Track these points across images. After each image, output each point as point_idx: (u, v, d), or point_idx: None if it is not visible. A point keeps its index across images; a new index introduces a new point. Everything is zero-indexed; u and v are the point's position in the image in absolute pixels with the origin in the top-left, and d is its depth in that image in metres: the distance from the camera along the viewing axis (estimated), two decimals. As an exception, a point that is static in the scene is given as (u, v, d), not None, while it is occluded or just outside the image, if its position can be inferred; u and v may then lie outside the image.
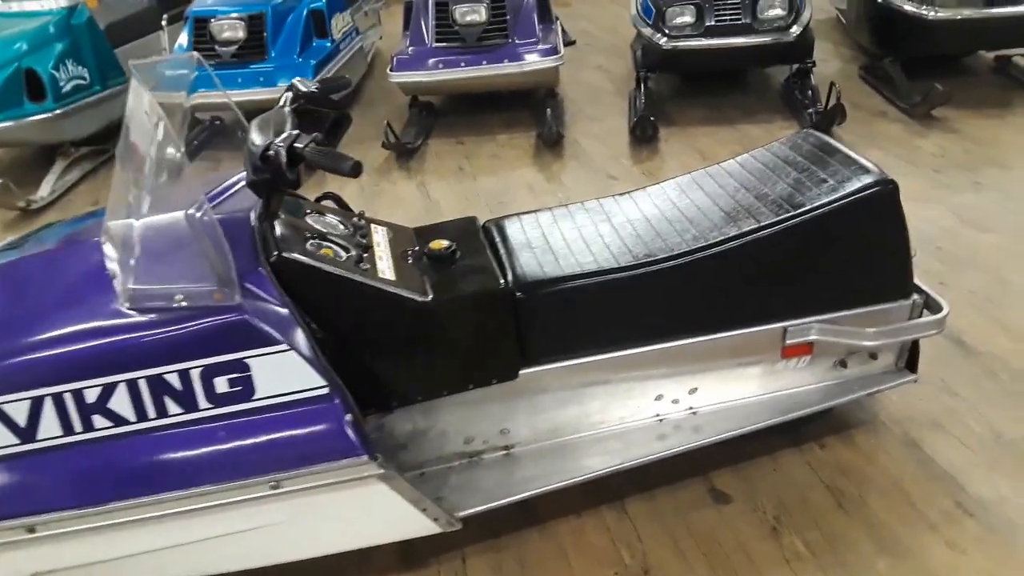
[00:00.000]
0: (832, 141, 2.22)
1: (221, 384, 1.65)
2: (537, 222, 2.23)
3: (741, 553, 1.94)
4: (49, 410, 1.60)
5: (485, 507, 1.90)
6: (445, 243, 2.06)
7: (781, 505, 2.05)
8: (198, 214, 1.65)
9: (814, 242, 2.00)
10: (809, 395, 2.15)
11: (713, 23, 4.40)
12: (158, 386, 1.63)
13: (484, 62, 4.56)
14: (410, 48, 4.70)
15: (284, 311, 1.69)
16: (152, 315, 1.63)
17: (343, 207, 2.30)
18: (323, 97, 2.12)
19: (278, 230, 1.85)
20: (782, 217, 1.98)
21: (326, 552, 1.82)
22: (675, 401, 2.11)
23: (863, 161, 2.07)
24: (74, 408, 1.60)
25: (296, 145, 1.69)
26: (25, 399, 1.59)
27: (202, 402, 1.65)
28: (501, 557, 1.98)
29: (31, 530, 1.63)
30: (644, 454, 2.03)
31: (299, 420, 1.69)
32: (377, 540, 1.86)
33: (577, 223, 2.19)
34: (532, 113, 4.87)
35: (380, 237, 2.11)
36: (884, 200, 1.99)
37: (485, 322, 1.92)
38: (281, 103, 2.01)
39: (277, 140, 1.71)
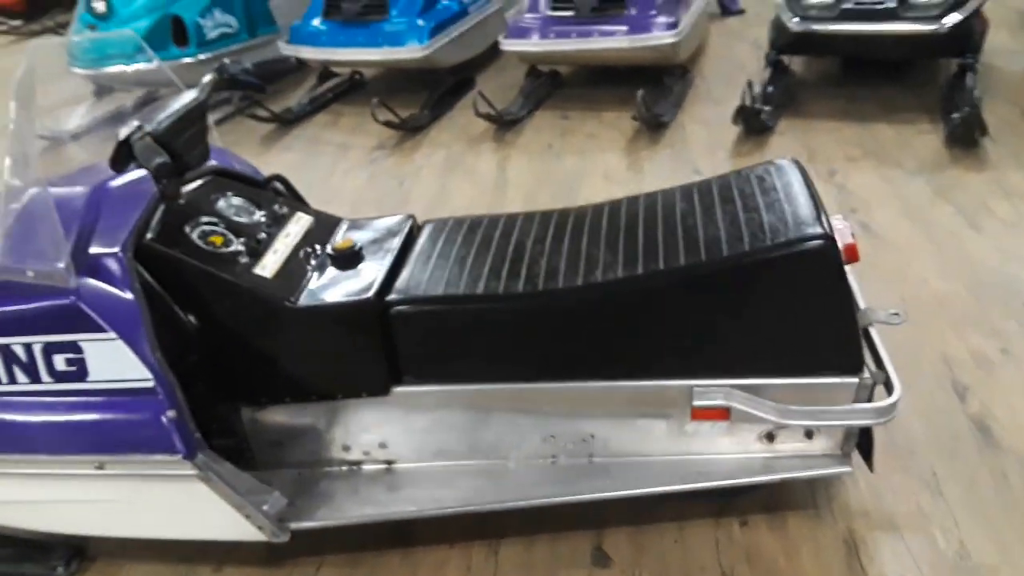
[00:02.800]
0: (801, 179, 1.86)
1: (60, 362, 1.71)
2: (466, 229, 2.07)
3: (588, 628, 1.74)
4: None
5: (321, 524, 1.85)
6: (350, 242, 1.99)
7: (659, 584, 1.81)
8: (32, 195, 1.70)
9: (725, 295, 1.70)
10: (724, 465, 1.86)
11: (851, 6, 3.82)
12: (7, 355, 1.72)
13: (596, 34, 4.31)
14: (525, 15, 4.54)
15: (127, 298, 1.70)
16: (3, 288, 1.72)
17: (291, 192, 2.29)
18: (247, 80, 2.09)
19: (161, 215, 1.87)
20: (692, 262, 1.69)
21: (152, 537, 1.87)
22: (569, 445, 1.91)
23: (812, 211, 1.71)
24: None
25: (133, 137, 1.67)
26: None
27: (44, 376, 1.73)
28: (352, 573, 1.92)
29: None
30: (533, 496, 1.87)
31: (124, 408, 1.71)
32: (200, 536, 1.87)
33: (502, 236, 2.01)
34: (657, 90, 4.55)
35: (295, 228, 2.07)
36: (813, 258, 1.64)
37: (349, 334, 1.84)
38: (204, 82, 2.01)
39: (135, 128, 1.71)
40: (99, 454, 1.73)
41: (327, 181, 4.10)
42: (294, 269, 1.92)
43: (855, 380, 1.73)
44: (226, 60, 2.09)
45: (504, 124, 4.45)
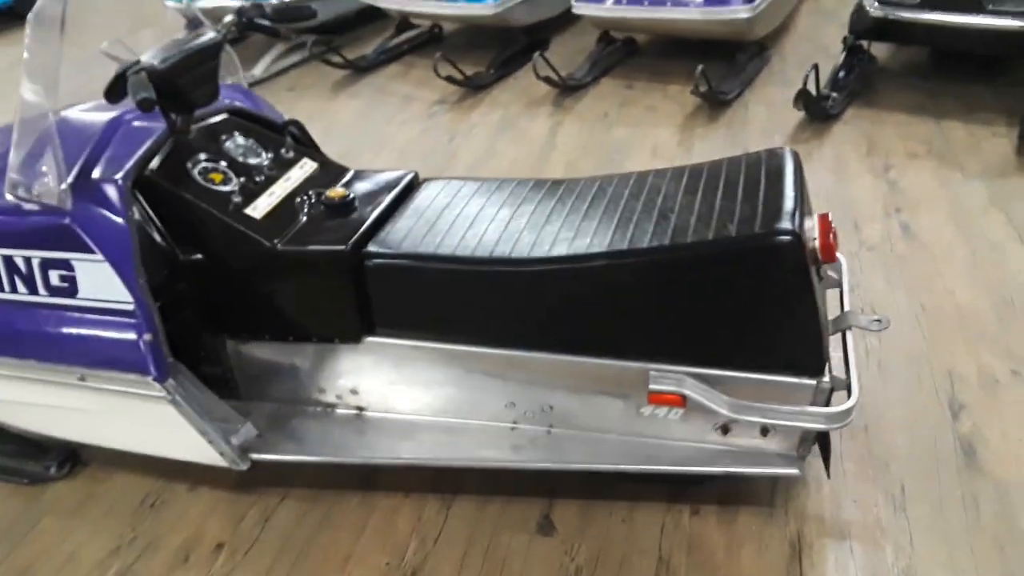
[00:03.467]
0: (792, 171, 1.79)
1: (54, 277, 1.84)
2: (462, 191, 2.09)
3: (517, 591, 1.77)
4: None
5: (283, 458, 1.94)
6: (343, 192, 2.04)
7: (595, 557, 1.82)
8: (42, 121, 1.80)
9: (683, 283, 1.67)
10: (677, 452, 1.85)
11: (936, -8, 3.59)
12: (10, 265, 1.86)
13: (669, 3, 4.20)
14: (600, -21, 4.46)
15: (118, 225, 1.80)
16: (14, 203, 1.85)
17: (304, 136, 2.35)
18: (263, 25, 2.15)
19: (167, 149, 1.96)
20: (654, 245, 1.67)
21: (126, 449, 2.00)
22: (529, 414, 1.94)
23: (787, 205, 1.66)
24: None
25: (129, 71, 1.75)
26: None
27: (41, 288, 1.86)
28: (311, 508, 2.01)
29: None
30: (487, 459, 1.91)
31: (107, 326, 1.82)
32: (168, 454, 1.98)
33: (493, 201, 2.02)
34: (727, 66, 4.41)
35: (298, 173, 2.13)
36: (773, 253, 1.59)
37: (323, 281, 1.89)
38: (226, 22, 2.08)
39: (133, 63, 1.79)
40: (81, 367, 1.86)
41: (382, 129, 4.17)
42: (285, 213, 1.99)
43: (812, 382, 1.68)
44: (245, 3, 2.15)
45: (567, 89, 4.42)
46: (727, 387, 1.74)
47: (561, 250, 1.75)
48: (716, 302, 1.67)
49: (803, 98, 3.65)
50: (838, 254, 2.02)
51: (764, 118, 3.94)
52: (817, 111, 3.73)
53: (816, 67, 3.74)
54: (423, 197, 2.08)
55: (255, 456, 1.93)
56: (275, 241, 1.89)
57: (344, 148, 3.99)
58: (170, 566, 1.88)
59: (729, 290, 1.65)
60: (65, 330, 1.86)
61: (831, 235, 1.73)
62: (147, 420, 1.90)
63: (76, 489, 2.12)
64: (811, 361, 1.68)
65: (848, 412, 1.67)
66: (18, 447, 2.16)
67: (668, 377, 1.75)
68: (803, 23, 5.28)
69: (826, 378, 1.69)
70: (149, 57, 1.84)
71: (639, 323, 1.75)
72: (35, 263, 1.84)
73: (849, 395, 1.70)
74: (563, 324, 1.80)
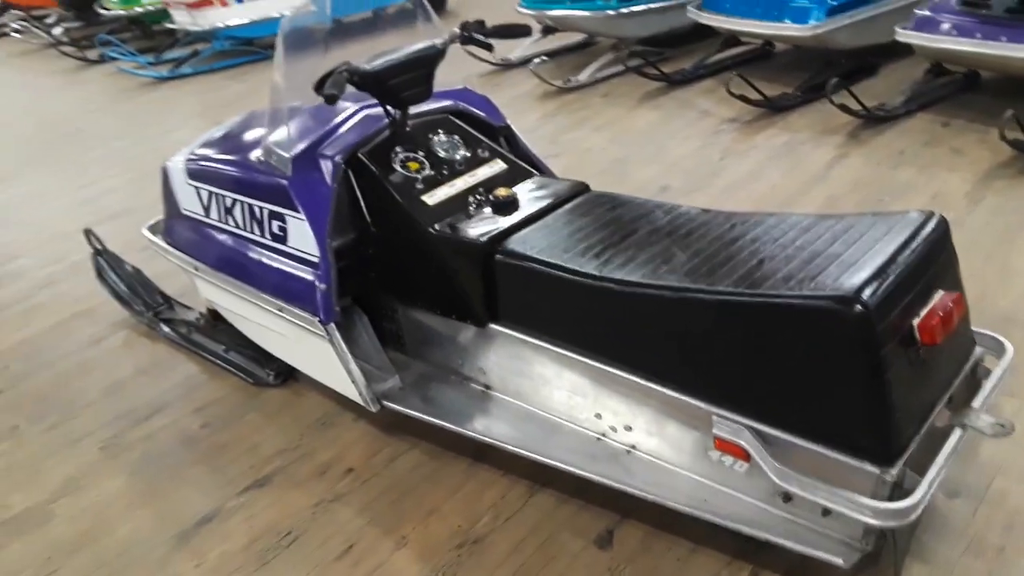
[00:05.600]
0: (919, 235, 1.61)
1: (274, 226, 2.34)
2: (614, 207, 2.19)
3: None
4: (213, 201, 2.52)
5: (408, 412, 2.23)
6: (510, 192, 2.26)
7: (633, 584, 1.85)
8: (280, 108, 2.27)
9: (744, 331, 1.63)
10: (735, 505, 1.80)
11: None
12: (251, 211, 2.40)
13: (1003, 38, 3.69)
14: (933, 6, 4.03)
15: (321, 192, 2.24)
16: (264, 166, 2.37)
17: (512, 139, 2.60)
18: (479, 40, 2.42)
19: (383, 138, 2.34)
20: (720, 288, 1.65)
21: (305, 371, 2.46)
22: (613, 429, 2.01)
23: (877, 270, 1.52)
24: (219, 205, 2.49)
25: (337, 70, 2.13)
26: (205, 190, 2.53)
27: (266, 232, 2.37)
28: (427, 462, 2.28)
29: (196, 268, 2.64)
30: (566, 460, 2.01)
31: (300, 273, 2.27)
32: (327, 383, 2.41)
33: (634, 222, 2.09)
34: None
35: (485, 171, 2.40)
36: (833, 321, 1.48)
37: (460, 267, 2.14)
38: (446, 37, 2.41)
39: (343, 64, 2.18)
40: (280, 300, 2.34)
41: (664, 142, 4.28)
42: (455, 203, 2.27)
43: (875, 471, 1.54)
44: (469, 20, 2.45)
45: (871, 119, 4.11)
46: (789, 452, 1.65)
47: (650, 277, 1.79)
48: (776, 358, 1.61)
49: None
50: (1004, 341, 1.78)
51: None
52: None
53: None
54: (575, 206, 2.22)
55: (386, 403, 2.26)
56: (433, 226, 2.18)
57: (620, 155, 4.18)
58: (310, 475, 2.30)
59: (788, 349, 1.58)
60: (275, 267, 2.35)
61: (943, 316, 1.55)
62: (316, 352, 2.32)
63: (281, 397, 2.64)
64: (876, 447, 1.54)
65: (905, 512, 1.50)
66: (254, 354, 2.75)
67: (728, 425, 1.71)
68: None
69: (895, 470, 1.53)
70: (367, 60, 2.24)
71: (707, 363, 1.74)
72: (265, 212, 2.35)
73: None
74: (644, 348, 1.85)
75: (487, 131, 2.59)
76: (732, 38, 5.34)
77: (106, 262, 3.27)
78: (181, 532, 2.15)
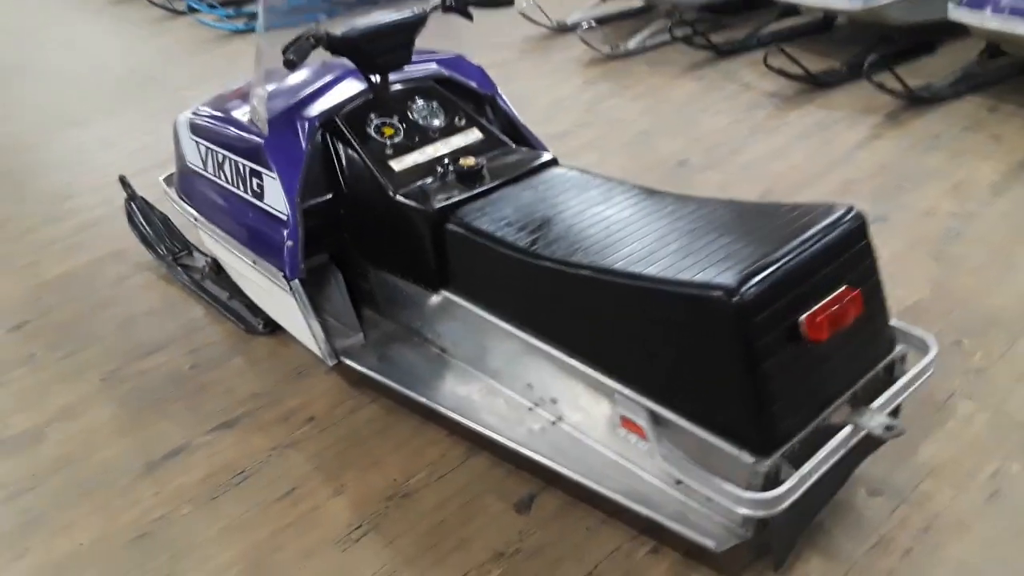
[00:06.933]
0: (828, 231, 1.59)
1: (253, 183, 2.46)
2: (569, 183, 2.20)
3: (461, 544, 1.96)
4: (209, 157, 2.66)
5: (361, 369, 2.34)
6: (473, 162, 2.30)
7: (538, 549, 1.91)
8: (268, 69, 2.36)
9: (644, 316, 1.65)
10: (637, 484, 1.83)
11: None
12: (238, 167, 2.52)
13: (1059, 19, 3.45)
14: (994, -19, 3.79)
15: (293, 153, 2.34)
16: (250, 124, 2.48)
17: (499, 108, 2.63)
18: (459, 9, 2.45)
19: (361, 102, 2.42)
20: (632, 271, 1.67)
21: (281, 324, 2.59)
22: (542, 401, 2.07)
23: (765, 261, 1.51)
24: (213, 160, 2.63)
25: (305, 33, 2.20)
26: (203, 145, 2.67)
27: (248, 190, 2.49)
28: (382, 416, 2.38)
29: (195, 220, 2.80)
30: (496, 428, 2.08)
31: (271, 229, 2.39)
32: (294, 333, 2.53)
33: (583, 199, 2.10)
34: None
35: (459, 140, 2.44)
36: (713, 312, 1.50)
37: (415, 232, 2.21)
38: (428, 6, 2.45)
39: (313, 28, 2.25)
40: (254, 253, 2.47)
41: (695, 116, 4.21)
42: (422, 170, 2.33)
43: (750, 460, 1.55)
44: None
45: (914, 100, 3.93)
46: (682, 435, 1.68)
47: (568, 255, 1.82)
48: (667, 342, 1.63)
49: None
50: (930, 341, 1.75)
51: None
52: None
53: None
54: (537, 182, 2.24)
55: (344, 359, 2.37)
56: (394, 191, 2.26)
57: (648, 126, 4.14)
58: (275, 420, 2.43)
59: (676, 334, 1.60)
60: (251, 223, 2.48)
61: (833, 312, 1.53)
62: (285, 305, 2.45)
63: (267, 346, 2.79)
64: (751, 436, 1.54)
65: (769, 502, 1.51)
66: (249, 302, 2.91)
67: (628, 403, 1.75)
68: None
69: (768, 461, 1.54)
70: (344, 26, 2.31)
71: (612, 342, 1.77)
72: (247, 170, 2.47)
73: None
74: (562, 323, 1.90)
75: (475, 99, 2.63)
76: (792, 8, 5.14)
77: (137, 207, 3.49)
78: (149, 462, 2.33)
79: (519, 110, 2.68)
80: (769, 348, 1.49)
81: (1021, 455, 2.00)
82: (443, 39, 2.66)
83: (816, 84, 4.27)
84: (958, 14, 3.85)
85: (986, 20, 3.73)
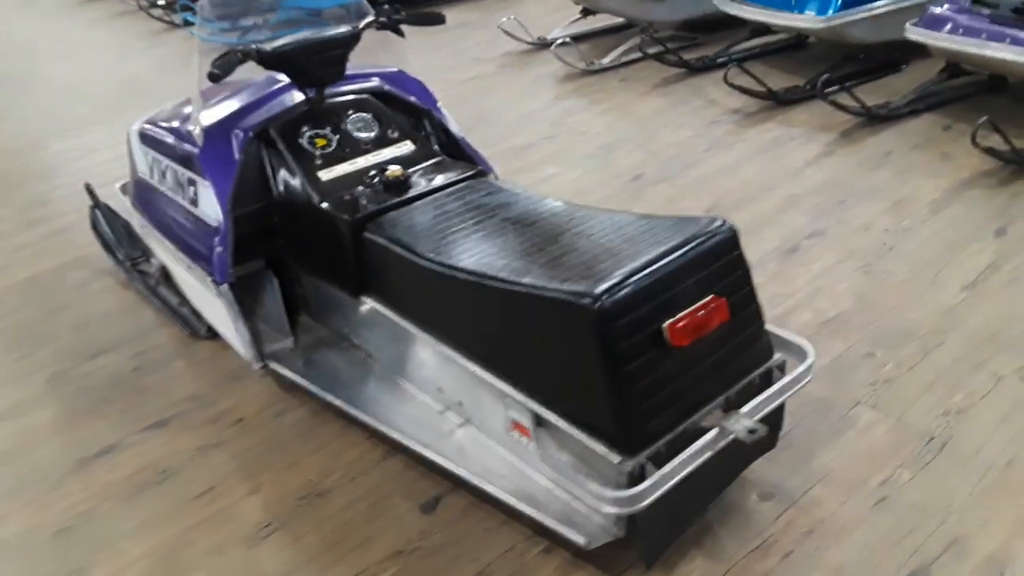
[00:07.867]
0: (699, 242, 1.65)
1: (190, 191, 2.54)
2: (490, 196, 2.26)
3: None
4: (154, 166, 2.75)
5: (281, 370, 2.42)
6: (399, 173, 2.37)
7: (438, 548, 1.96)
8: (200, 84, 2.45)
9: (525, 321, 1.72)
10: (524, 484, 1.89)
11: None
12: (176, 175, 2.61)
13: (1008, 40, 3.49)
14: (944, 4, 3.84)
15: (225, 163, 2.42)
16: (188, 136, 2.57)
17: (438, 126, 2.70)
18: (392, 26, 2.52)
19: (297, 114, 2.50)
20: (512, 279, 1.73)
21: (208, 321, 2.66)
22: (451, 405, 2.13)
23: (632, 270, 1.57)
24: (158, 169, 2.72)
25: (233, 48, 2.29)
26: (150, 154, 2.76)
27: (185, 197, 2.58)
28: (307, 418, 2.44)
29: (142, 227, 2.89)
30: (408, 433, 2.15)
31: (204, 235, 2.47)
32: (225, 336, 2.60)
33: (499, 210, 2.15)
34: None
35: (391, 151, 2.51)
36: (577, 317, 1.56)
37: (335, 238, 2.28)
38: (368, 21, 2.52)
39: (243, 44, 2.34)
40: (189, 258, 2.55)
41: (658, 131, 4.27)
42: (350, 181, 2.39)
43: (615, 459, 1.60)
44: (386, 6, 2.56)
45: (871, 118, 3.98)
46: (564, 436, 1.73)
47: (465, 262, 1.88)
48: (544, 346, 1.69)
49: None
50: (808, 349, 1.80)
51: (1077, 196, 3.12)
52: None
53: None
54: (458, 192, 2.30)
55: (270, 363, 2.44)
56: (318, 200, 2.33)
57: (611, 140, 4.20)
58: (205, 421, 2.50)
59: (551, 338, 1.66)
60: (188, 229, 2.56)
61: (696, 320, 1.58)
62: (217, 309, 2.53)
63: (210, 350, 2.86)
64: (616, 437, 1.60)
65: (625, 500, 1.56)
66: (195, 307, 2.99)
67: (515, 405, 1.80)
68: None
69: (632, 461, 1.59)
70: (276, 42, 2.39)
71: (500, 346, 1.83)
72: (185, 178, 2.56)
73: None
74: (460, 328, 1.96)
75: (414, 113, 2.70)
76: (765, 27, 5.20)
77: (101, 214, 3.59)
78: (82, 459, 2.40)
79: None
80: (632, 352, 1.54)
81: (914, 464, 2.04)
82: (386, 55, 2.75)
83: (777, 101, 4.32)
84: (915, 34, 3.89)
85: (941, 40, 3.77)
